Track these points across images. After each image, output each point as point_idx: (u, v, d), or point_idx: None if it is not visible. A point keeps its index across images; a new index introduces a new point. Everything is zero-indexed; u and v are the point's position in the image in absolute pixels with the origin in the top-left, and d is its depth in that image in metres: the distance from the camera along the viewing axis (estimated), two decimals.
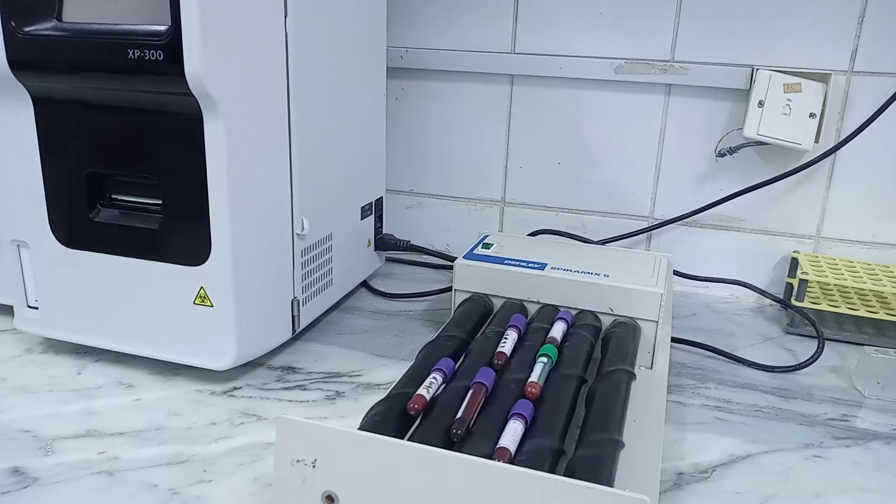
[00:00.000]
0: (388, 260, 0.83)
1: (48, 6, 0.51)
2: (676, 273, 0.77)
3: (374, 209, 0.75)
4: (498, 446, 0.39)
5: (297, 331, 0.61)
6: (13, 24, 0.51)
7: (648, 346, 0.57)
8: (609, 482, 0.37)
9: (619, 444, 0.41)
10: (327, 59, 0.61)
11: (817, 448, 0.50)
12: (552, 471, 0.38)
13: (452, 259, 0.78)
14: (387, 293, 0.75)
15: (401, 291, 0.75)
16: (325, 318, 0.69)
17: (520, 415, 0.42)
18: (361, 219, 0.72)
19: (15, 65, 0.52)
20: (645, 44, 0.75)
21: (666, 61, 0.74)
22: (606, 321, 0.57)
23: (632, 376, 0.49)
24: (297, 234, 0.59)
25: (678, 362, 0.62)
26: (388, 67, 0.75)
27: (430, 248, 0.80)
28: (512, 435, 0.40)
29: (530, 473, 0.35)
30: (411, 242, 0.78)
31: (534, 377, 0.46)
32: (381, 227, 0.77)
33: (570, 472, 0.38)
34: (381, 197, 0.76)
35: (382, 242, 0.77)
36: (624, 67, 0.75)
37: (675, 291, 0.77)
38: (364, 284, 0.77)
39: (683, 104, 0.76)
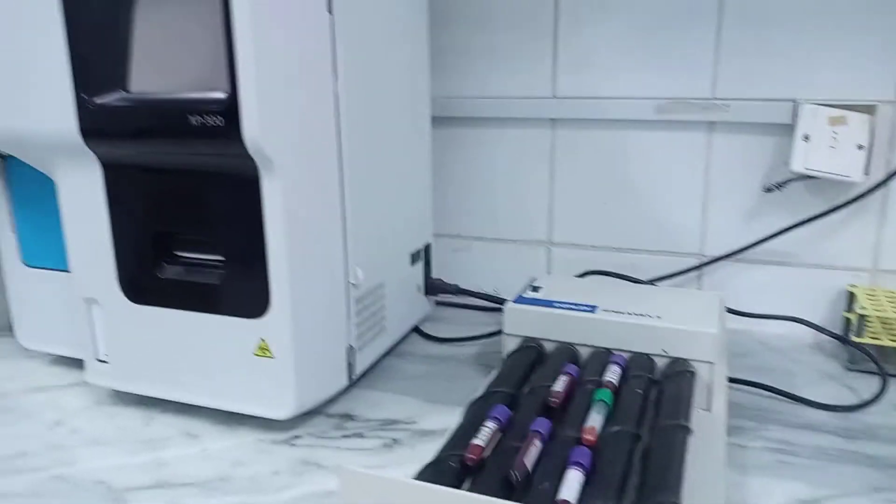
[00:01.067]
0: (438, 303, 0.84)
1: (116, 78, 0.54)
2: (729, 311, 0.76)
3: (423, 255, 0.77)
4: (559, 498, 0.39)
5: (353, 378, 0.63)
6: (84, 95, 0.54)
7: (705, 388, 0.56)
8: None
9: None
10: (376, 115, 0.63)
11: (888, 492, 0.48)
12: None
13: (501, 301, 0.79)
14: (438, 337, 0.76)
15: (451, 335, 0.76)
16: (379, 365, 0.70)
17: (579, 463, 0.42)
18: (411, 265, 0.74)
19: (86, 133, 0.55)
20: (685, 82, 0.75)
21: (707, 99, 0.75)
22: (661, 362, 0.57)
23: (688, 431, 0.48)
24: (351, 284, 0.61)
25: (736, 403, 0.61)
26: (431, 116, 0.77)
27: (479, 290, 0.81)
28: (572, 486, 0.40)
29: None
30: (460, 286, 0.79)
31: (591, 423, 0.46)
32: (430, 271, 0.79)
33: None
34: (430, 243, 0.78)
35: (432, 287, 0.78)
36: (665, 107, 0.76)
37: (729, 329, 0.76)
38: (415, 329, 0.78)
39: (727, 140, 0.76)
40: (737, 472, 0.51)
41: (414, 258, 0.74)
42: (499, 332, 0.74)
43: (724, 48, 0.74)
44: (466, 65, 0.83)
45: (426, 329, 0.78)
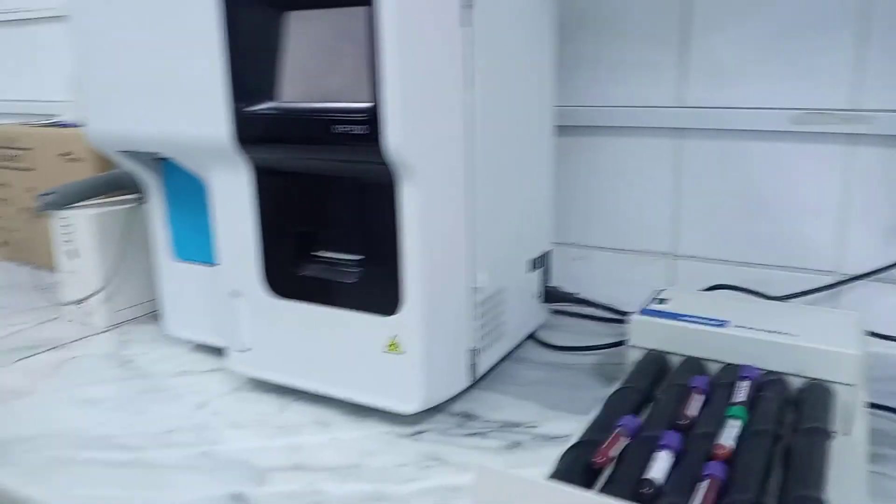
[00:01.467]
0: (554, 312, 0.84)
1: (267, 88, 0.58)
2: (874, 334, 0.72)
3: (542, 262, 0.77)
4: None
5: (475, 379, 0.64)
6: (238, 105, 0.59)
7: (844, 413, 0.54)
8: None
9: None
10: (506, 123, 0.65)
11: None
12: None
13: (621, 313, 0.79)
14: (556, 346, 0.76)
15: (568, 344, 0.76)
16: (497, 368, 0.71)
17: (713, 476, 0.42)
18: (530, 272, 0.75)
19: (238, 140, 0.60)
20: (822, 92, 0.72)
21: (847, 111, 0.71)
22: (795, 384, 0.55)
23: (830, 436, 0.46)
24: (475, 288, 0.62)
25: (877, 430, 0.58)
26: (557, 125, 0.78)
27: (597, 301, 0.81)
28: (705, 496, 0.40)
29: None
30: (579, 295, 0.79)
31: (724, 440, 0.46)
32: (549, 279, 0.79)
33: None
34: (550, 250, 0.79)
35: (550, 295, 0.79)
36: (801, 118, 0.73)
37: (868, 353, 0.72)
38: (531, 336, 0.79)
39: (868, 154, 0.72)
40: (881, 502, 0.48)
41: (533, 265, 0.75)
42: (620, 344, 0.73)
43: (866, 56, 0.70)
44: (593, 74, 0.83)
45: (542, 337, 0.78)
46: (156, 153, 0.70)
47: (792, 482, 0.41)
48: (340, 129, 0.54)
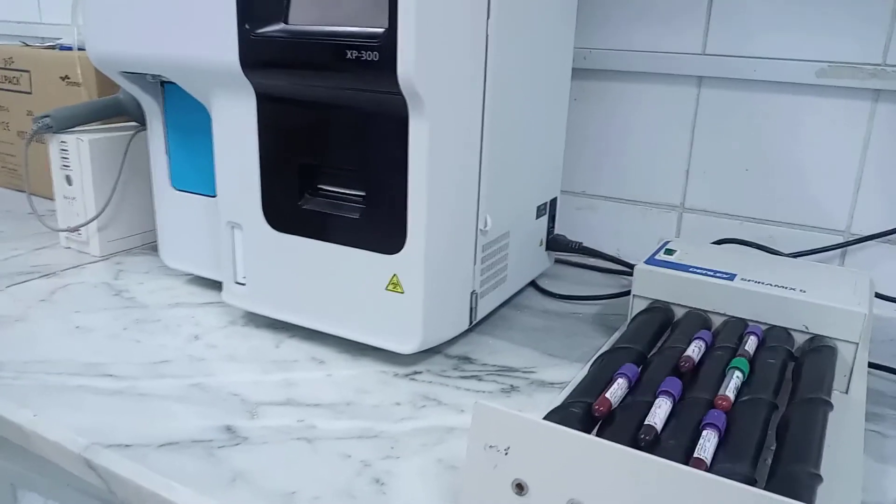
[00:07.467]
0: (556, 261, 0.83)
1: (277, 11, 0.56)
2: (878, 295, 0.71)
3: (549, 209, 0.76)
4: (694, 457, 0.38)
5: (474, 323, 0.63)
6: (247, 26, 0.56)
7: (845, 370, 0.53)
8: None
9: (818, 479, 0.39)
10: (521, 61, 0.62)
11: None
12: None
13: (626, 264, 0.77)
14: (558, 294, 0.75)
15: (569, 293, 0.75)
16: (496, 314, 0.70)
17: (713, 426, 0.41)
18: (536, 218, 0.73)
19: (246, 64, 0.57)
20: (852, 46, 0.69)
21: (876, 65, 0.69)
22: (799, 339, 0.54)
23: (829, 405, 0.45)
24: (480, 230, 0.61)
25: (875, 390, 0.57)
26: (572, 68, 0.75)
27: (601, 251, 0.80)
28: (706, 446, 0.39)
29: (731, 485, 0.34)
30: (583, 244, 0.78)
31: (725, 391, 0.45)
32: (554, 227, 0.78)
33: None
34: (556, 197, 0.77)
35: (554, 243, 0.77)
36: (827, 71, 0.70)
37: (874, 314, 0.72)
38: (532, 283, 0.78)
39: (891, 112, 0.70)
40: (875, 460, 0.48)
41: (539, 211, 0.73)
42: (622, 294, 0.72)
43: None
44: (614, 16, 0.80)
45: (543, 285, 0.77)
46: (159, 76, 0.68)
47: (787, 454, 0.40)
48: (351, 54, 0.52)
